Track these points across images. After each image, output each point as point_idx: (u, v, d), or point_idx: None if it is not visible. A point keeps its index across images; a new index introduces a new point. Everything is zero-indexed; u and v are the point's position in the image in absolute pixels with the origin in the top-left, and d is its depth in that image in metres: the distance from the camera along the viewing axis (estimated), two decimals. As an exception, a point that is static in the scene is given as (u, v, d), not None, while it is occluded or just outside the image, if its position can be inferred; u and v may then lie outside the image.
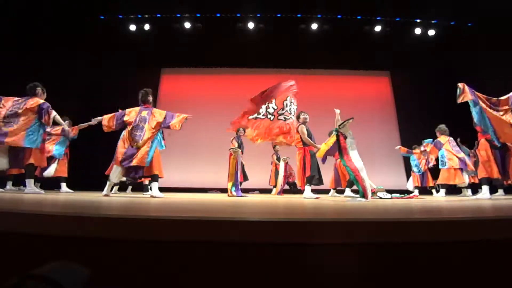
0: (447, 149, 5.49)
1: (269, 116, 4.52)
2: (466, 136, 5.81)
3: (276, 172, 6.94)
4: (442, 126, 5.73)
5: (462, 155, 5.44)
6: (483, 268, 0.93)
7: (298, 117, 4.63)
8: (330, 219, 1.06)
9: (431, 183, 6.38)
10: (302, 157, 4.48)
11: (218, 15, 8.01)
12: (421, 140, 6.24)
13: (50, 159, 4.94)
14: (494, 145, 3.97)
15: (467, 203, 2.61)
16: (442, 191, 5.57)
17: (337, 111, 3.85)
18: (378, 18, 8.02)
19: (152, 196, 3.51)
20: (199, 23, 8.11)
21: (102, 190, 3.60)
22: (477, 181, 5.12)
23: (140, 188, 5.70)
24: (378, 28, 8.13)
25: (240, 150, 5.09)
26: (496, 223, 1.04)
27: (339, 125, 3.67)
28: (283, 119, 4.47)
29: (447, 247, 0.93)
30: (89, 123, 4.31)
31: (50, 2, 6.72)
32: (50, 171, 5.00)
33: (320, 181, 4.56)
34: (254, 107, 4.66)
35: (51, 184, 5.49)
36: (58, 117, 4.02)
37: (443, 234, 0.97)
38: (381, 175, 7.62)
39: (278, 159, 6.92)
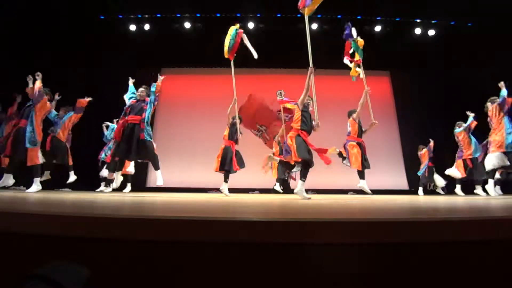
0: None
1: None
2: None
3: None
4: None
5: None
6: (483, 268, 0.92)
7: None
8: (330, 219, 1.06)
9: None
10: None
11: (218, 15, 7.99)
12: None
13: None
14: None
15: (468, 202, 2.61)
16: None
17: None
18: (378, 18, 8.01)
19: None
20: (199, 23, 8.10)
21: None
22: None
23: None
24: (378, 28, 8.12)
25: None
26: (498, 223, 1.04)
27: None
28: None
29: (447, 247, 0.93)
30: None
31: (49, 2, 6.71)
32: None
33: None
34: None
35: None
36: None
37: (443, 234, 0.97)
38: (381, 175, 7.60)
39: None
